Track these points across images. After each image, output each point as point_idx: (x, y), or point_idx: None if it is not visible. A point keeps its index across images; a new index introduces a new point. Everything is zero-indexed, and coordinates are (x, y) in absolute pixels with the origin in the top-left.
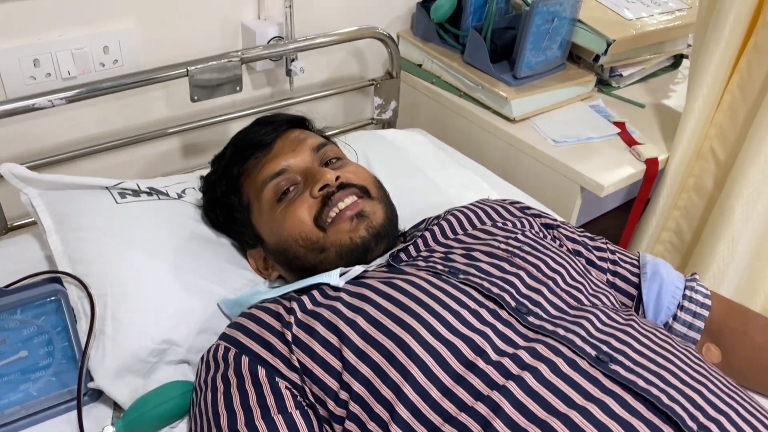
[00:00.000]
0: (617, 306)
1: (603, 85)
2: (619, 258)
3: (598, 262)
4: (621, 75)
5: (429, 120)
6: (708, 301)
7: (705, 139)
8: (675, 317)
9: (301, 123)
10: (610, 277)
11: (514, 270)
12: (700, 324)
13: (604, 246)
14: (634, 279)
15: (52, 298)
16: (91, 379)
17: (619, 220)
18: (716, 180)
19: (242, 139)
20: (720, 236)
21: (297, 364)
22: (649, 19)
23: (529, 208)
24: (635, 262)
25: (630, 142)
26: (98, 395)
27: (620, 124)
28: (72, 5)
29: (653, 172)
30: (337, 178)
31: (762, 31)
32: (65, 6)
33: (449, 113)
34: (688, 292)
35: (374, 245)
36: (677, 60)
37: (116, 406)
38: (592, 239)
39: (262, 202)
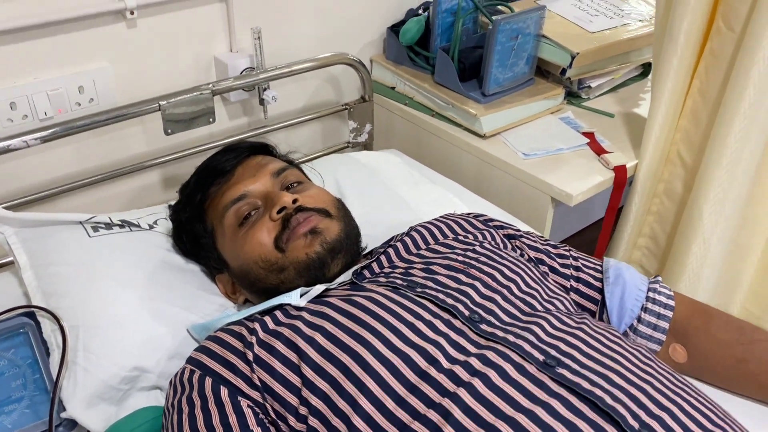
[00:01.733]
0: (572, 310)
1: (573, 97)
2: (582, 264)
3: (561, 269)
4: (590, 86)
5: (405, 140)
6: (671, 302)
7: (672, 145)
8: (639, 319)
9: (264, 149)
10: (574, 283)
11: (469, 281)
12: (665, 325)
13: (567, 253)
14: (597, 284)
15: (20, 330)
16: (64, 409)
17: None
18: (685, 183)
19: (205, 167)
20: (692, 239)
21: (258, 382)
22: (613, 31)
23: (492, 220)
24: (598, 268)
25: (599, 151)
26: (73, 425)
27: (589, 134)
28: (46, 49)
29: (622, 179)
30: (295, 200)
31: (716, 36)
32: (39, 50)
33: (423, 133)
34: (651, 294)
35: (330, 260)
36: (646, 69)
37: None
38: (555, 247)
39: (224, 227)
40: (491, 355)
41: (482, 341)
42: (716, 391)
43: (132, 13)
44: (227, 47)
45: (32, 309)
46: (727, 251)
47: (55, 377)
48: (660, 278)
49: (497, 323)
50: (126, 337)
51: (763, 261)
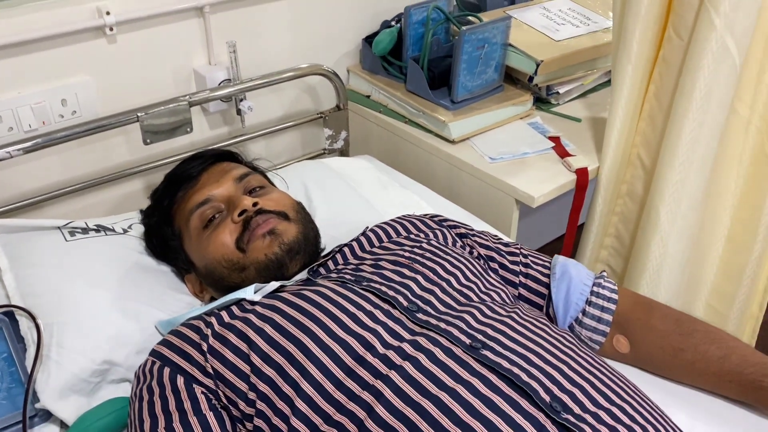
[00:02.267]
0: (507, 302)
1: (542, 102)
2: (531, 261)
3: (511, 266)
4: (558, 92)
5: (380, 147)
6: (615, 296)
7: (632, 147)
8: (584, 312)
9: (229, 156)
10: (522, 279)
11: (411, 275)
12: (608, 317)
13: (517, 251)
14: (545, 279)
15: None
16: (38, 400)
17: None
18: (645, 185)
19: (173, 173)
20: (651, 238)
21: (211, 370)
22: (577, 39)
23: (446, 220)
24: (547, 264)
25: (563, 154)
26: (48, 416)
27: (555, 139)
28: (30, 64)
29: (584, 181)
30: (255, 204)
31: (668, 44)
32: (23, 65)
33: (397, 139)
34: (595, 288)
35: (288, 261)
36: None
37: (63, 425)
38: (506, 245)
39: (190, 229)
40: (422, 341)
41: (417, 329)
42: (658, 379)
43: (111, 29)
44: (206, 60)
45: (10, 308)
46: (687, 250)
47: (30, 371)
48: (605, 273)
49: (432, 312)
50: (97, 333)
51: (723, 258)
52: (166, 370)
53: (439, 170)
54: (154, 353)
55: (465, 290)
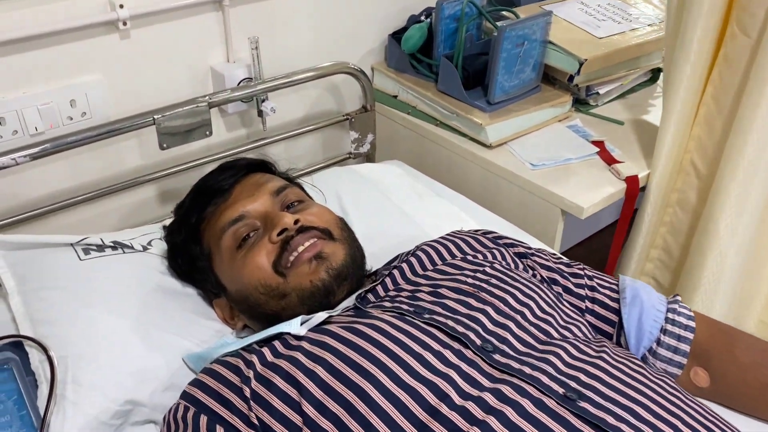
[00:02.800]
0: (590, 337)
1: (580, 104)
2: (597, 284)
3: (576, 289)
4: (598, 93)
5: (407, 151)
6: (692, 323)
7: (685, 153)
8: (659, 342)
9: (263, 166)
10: (589, 304)
11: (480, 306)
12: (686, 347)
13: (581, 272)
14: (614, 305)
15: (4, 366)
16: None
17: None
18: (699, 193)
19: (201, 186)
20: (707, 251)
21: (256, 421)
22: (621, 36)
23: (501, 237)
24: (614, 287)
25: (609, 160)
26: None
27: (599, 143)
28: (36, 62)
29: (634, 190)
30: (297, 221)
31: (731, 42)
32: (29, 63)
33: (427, 143)
34: (670, 315)
35: (336, 287)
36: (654, 74)
37: None
38: (568, 266)
39: (222, 249)
40: (507, 390)
41: (496, 374)
42: (741, 417)
43: (125, 23)
44: (224, 57)
45: (18, 338)
46: (744, 264)
47: (42, 412)
48: (679, 297)
49: (512, 353)
50: (118, 368)
51: None
52: (203, 420)
53: (474, 177)
54: (186, 396)
55: (542, 324)
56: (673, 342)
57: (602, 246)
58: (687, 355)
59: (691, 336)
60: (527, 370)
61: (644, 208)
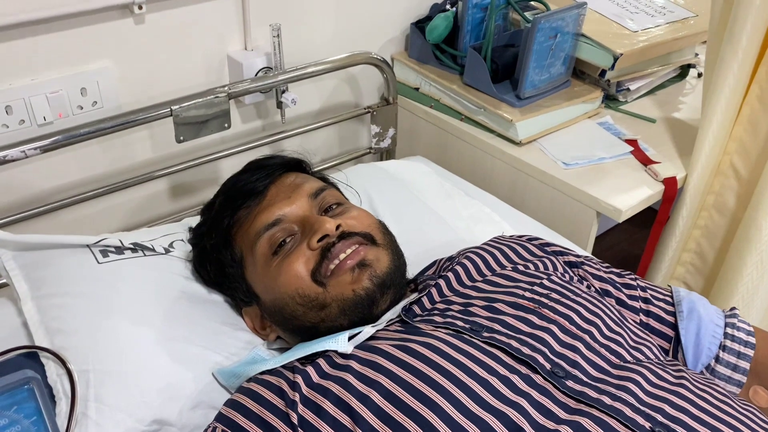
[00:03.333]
0: (662, 360)
1: (610, 100)
2: (651, 295)
3: (629, 302)
4: (628, 89)
5: (429, 146)
6: (752, 339)
7: (724, 155)
8: (717, 359)
9: (298, 166)
10: (644, 318)
11: (544, 324)
12: (745, 365)
13: (634, 283)
14: (670, 318)
15: (25, 386)
16: None
17: (628, 233)
18: (739, 197)
19: (233, 186)
20: (747, 257)
21: None
22: (656, 30)
23: (549, 244)
24: (669, 299)
25: (644, 161)
26: None
27: (632, 142)
28: (45, 47)
29: (672, 192)
30: (338, 227)
31: None
32: (38, 48)
33: (450, 138)
34: (729, 330)
35: (380, 296)
36: (684, 70)
37: None
38: (619, 276)
39: (256, 255)
40: (587, 423)
41: (571, 403)
42: None
43: (140, 7)
44: (242, 45)
45: (34, 350)
46: None
47: None
48: (737, 311)
49: (585, 379)
50: (143, 385)
51: None
52: None
53: (501, 175)
54: (223, 420)
55: (612, 345)
56: (732, 359)
57: (617, 242)
58: (747, 372)
59: (751, 353)
60: (607, 400)
61: (679, 210)
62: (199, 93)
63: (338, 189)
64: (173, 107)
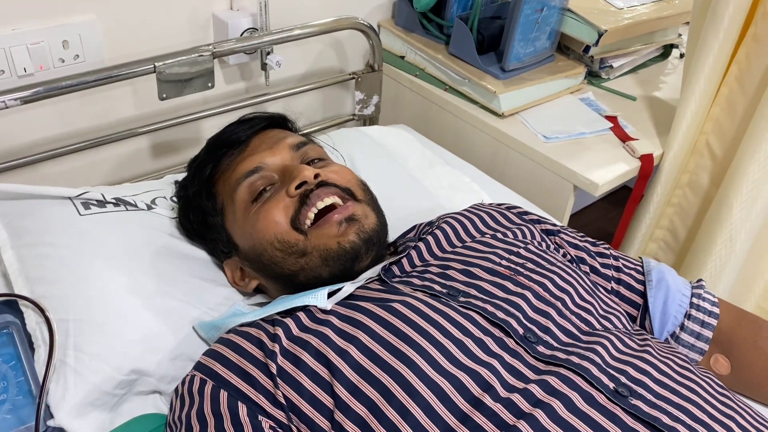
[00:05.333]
0: (630, 329)
1: (592, 76)
2: (623, 264)
3: (602, 270)
4: (611, 66)
5: (412, 115)
6: (716, 310)
7: (701, 134)
8: (682, 327)
9: (283, 122)
10: (614, 285)
11: (519, 290)
12: (708, 334)
13: (607, 252)
14: (639, 287)
15: (4, 330)
16: (51, 416)
17: (604, 211)
18: (712, 176)
19: (217, 138)
20: (717, 235)
21: (283, 400)
22: (641, 8)
23: (527, 213)
24: (639, 269)
25: (623, 137)
26: None
27: (612, 119)
28: None
29: (648, 169)
30: (317, 175)
31: (761, 21)
32: None
33: (434, 108)
34: (695, 300)
35: (364, 252)
36: (666, 50)
37: None
38: (593, 244)
39: (236, 203)
40: (554, 382)
41: (541, 366)
42: (760, 408)
43: None
44: (227, 5)
45: (13, 297)
46: (750, 251)
47: (41, 378)
48: (704, 282)
49: (555, 344)
50: (123, 336)
51: None
52: (223, 395)
53: (483, 146)
54: (203, 369)
55: (583, 313)
56: (696, 328)
57: (594, 219)
58: (709, 341)
59: (714, 322)
60: (575, 359)
61: (653, 188)
62: (183, 51)
63: (321, 147)
64: (157, 64)
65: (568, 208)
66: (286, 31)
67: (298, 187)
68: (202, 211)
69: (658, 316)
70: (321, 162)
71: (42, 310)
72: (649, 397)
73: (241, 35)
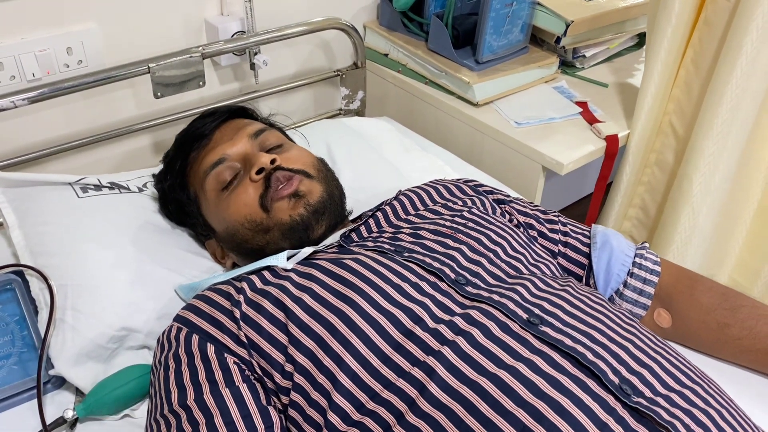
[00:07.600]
0: (557, 274)
1: (567, 66)
2: (570, 229)
3: (550, 234)
4: (584, 56)
5: (398, 109)
6: (657, 268)
7: (664, 115)
8: (625, 284)
9: (242, 112)
10: (561, 248)
11: (456, 245)
12: (650, 290)
13: (556, 219)
14: (585, 249)
15: (8, 287)
16: (53, 366)
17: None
18: (676, 154)
19: (184, 134)
20: (681, 209)
21: (245, 339)
22: (608, 0)
23: (481, 185)
24: (586, 233)
25: (591, 120)
26: (62, 382)
27: (582, 104)
28: (33, 8)
29: (613, 148)
30: (273, 161)
31: (711, 5)
32: (27, 9)
33: (416, 101)
34: (637, 260)
35: (314, 222)
36: (641, 39)
37: (78, 392)
38: (544, 213)
39: (207, 192)
40: (475, 314)
41: (467, 302)
42: (699, 356)
43: None
44: (218, 10)
45: (20, 268)
46: (716, 222)
47: (43, 335)
48: (647, 244)
49: (482, 285)
50: (113, 298)
51: (751, 231)
52: (195, 338)
53: (461, 134)
54: (179, 319)
55: (513, 261)
56: (638, 284)
57: (586, 212)
58: (651, 297)
59: (656, 279)
60: (495, 297)
61: (623, 168)
62: (175, 52)
63: (283, 132)
64: (151, 65)
65: (539, 188)
66: (270, 33)
67: (258, 173)
68: (178, 201)
69: (603, 275)
70: (279, 148)
71: (45, 278)
72: (558, 325)
73: (231, 38)
